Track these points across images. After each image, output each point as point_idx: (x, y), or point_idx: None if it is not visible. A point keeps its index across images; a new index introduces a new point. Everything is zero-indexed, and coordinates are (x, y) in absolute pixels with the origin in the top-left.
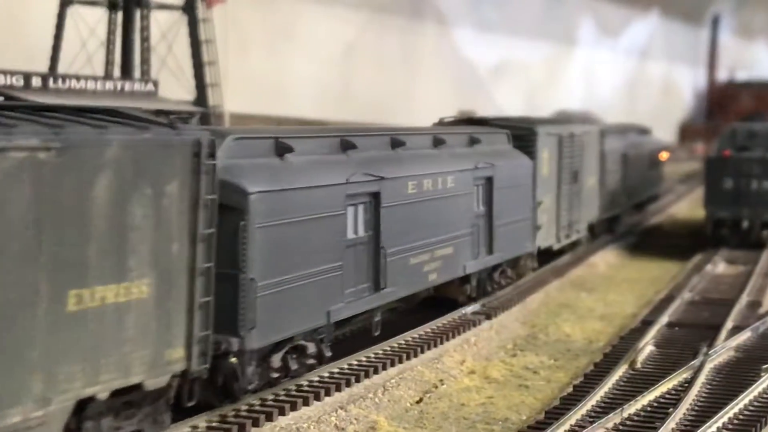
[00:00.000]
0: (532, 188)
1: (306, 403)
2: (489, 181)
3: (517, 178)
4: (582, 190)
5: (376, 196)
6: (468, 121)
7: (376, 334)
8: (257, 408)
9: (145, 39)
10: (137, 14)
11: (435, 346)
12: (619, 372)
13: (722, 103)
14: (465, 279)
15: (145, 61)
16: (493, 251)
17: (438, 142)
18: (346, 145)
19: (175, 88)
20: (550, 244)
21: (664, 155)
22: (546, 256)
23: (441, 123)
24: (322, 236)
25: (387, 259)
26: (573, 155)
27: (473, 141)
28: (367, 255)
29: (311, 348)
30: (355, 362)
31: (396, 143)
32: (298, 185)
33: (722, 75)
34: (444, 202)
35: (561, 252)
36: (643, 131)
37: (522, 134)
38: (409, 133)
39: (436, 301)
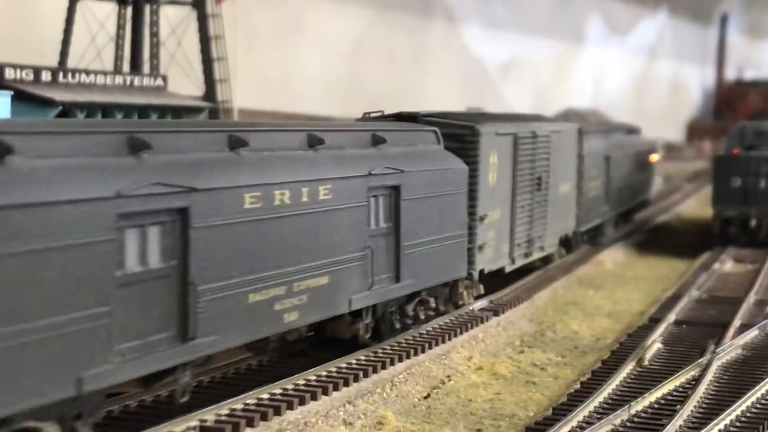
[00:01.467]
0: (467, 199)
1: (314, 398)
2: (395, 190)
3: (442, 186)
4: (550, 199)
5: (183, 214)
6: (397, 117)
7: (183, 401)
8: (266, 402)
9: (154, 34)
10: (147, 9)
11: (443, 342)
12: (627, 369)
13: (730, 101)
14: (357, 314)
15: (155, 56)
16: (402, 279)
17: (314, 142)
18: (137, 145)
19: (184, 83)
20: (501, 265)
21: (654, 157)
22: (514, 274)
23: (365, 119)
24: (72, 272)
25: (200, 297)
26: (536, 158)
27: (376, 141)
28: (165, 294)
29: None
30: (363, 357)
31: (236, 143)
32: (27, 200)
33: (730, 74)
34: (312, 219)
35: (529, 270)
36: (631, 130)
37: (458, 134)
38: (261, 130)
39: (325, 342)
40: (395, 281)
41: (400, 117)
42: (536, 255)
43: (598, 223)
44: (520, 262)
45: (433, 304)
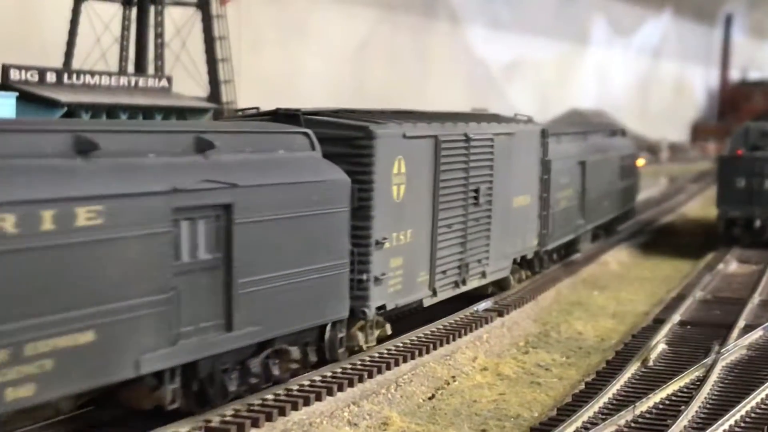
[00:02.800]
0: (353, 219)
1: (319, 398)
2: (225, 211)
3: (310, 204)
4: (496, 215)
5: None
6: (273, 114)
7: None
8: (270, 403)
9: (159, 35)
10: (151, 10)
11: (447, 342)
12: (632, 370)
13: (734, 102)
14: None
15: (159, 57)
16: (236, 326)
17: (86, 148)
18: None
19: (188, 84)
20: (416, 298)
21: (640, 161)
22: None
23: (232, 117)
24: None
25: None
26: (471, 166)
27: (201, 146)
28: None
29: None
30: (368, 358)
31: None
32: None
33: (735, 74)
34: (62, 254)
35: (478, 297)
36: (614, 132)
37: (348, 136)
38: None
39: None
40: (226, 330)
41: (276, 115)
42: (474, 283)
43: (571, 239)
44: (446, 294)
45: (297, 356)
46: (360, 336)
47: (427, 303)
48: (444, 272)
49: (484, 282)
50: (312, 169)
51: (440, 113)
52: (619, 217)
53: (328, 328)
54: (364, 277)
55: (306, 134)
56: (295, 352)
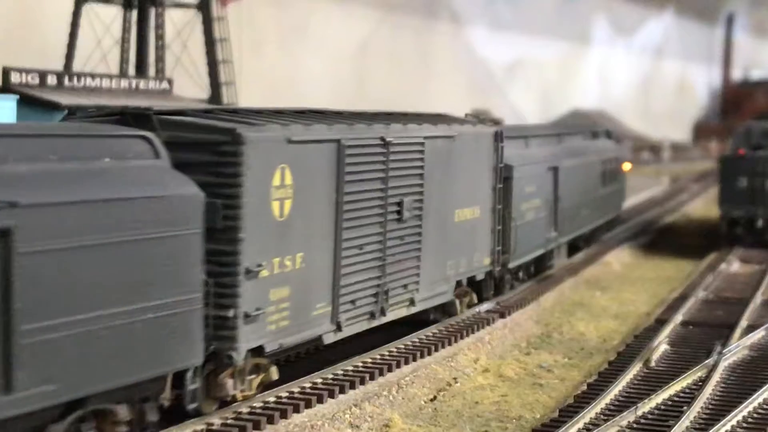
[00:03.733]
0: (200, 244)
1: (320, 401)
2: (1, 239)
3: (139, 227)
4: (429, 231)
5: None
6: (120, 115)
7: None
8: (272, 405)
9: (159, 37)
10: (152, 12)
11: (449, 344)
12: (634, 370)
13: (737, 101)
14: None
15: (160, 59)
16: (19, 386)
17: None
18: None
19: (189, 86)
20: (312, 335)
21: (627, 166)
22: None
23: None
24: None
25: None
26: (390, 176)
27: None
28: None
29: None
30: (370, 360)
31: None
32: None
33: (737, 74)
34: None
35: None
36: (596, 134)
37: (210, 141)
38: None
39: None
40: (3, 391)
41: (123, 116)
42: (399, 312)
43: (540, 254)
44: (356, 327)
45: (125, 416)
46: (229, 384)
47: (328, 340)
48: (353, 302)
49: (413, 310)
50: (150, 182)
51: (358, 113)
52: (601, 227)
53: (189, 375)
54: (230, 313)
55: (146, 139)
56: (123, 411)
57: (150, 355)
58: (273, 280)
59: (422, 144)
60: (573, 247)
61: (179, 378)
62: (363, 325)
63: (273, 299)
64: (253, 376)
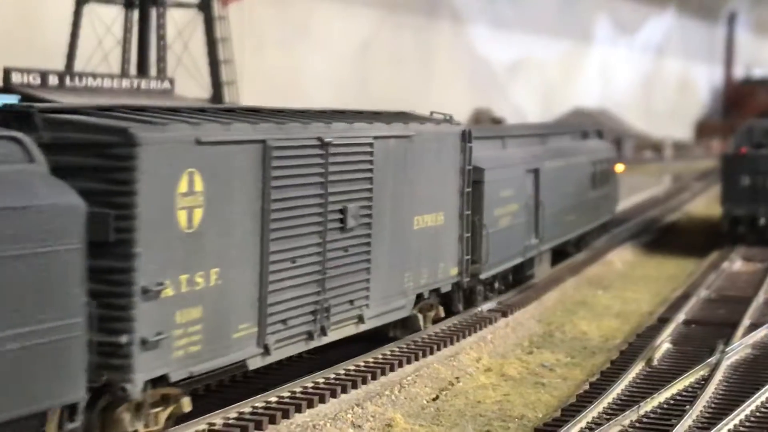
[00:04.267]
0: (81, 261)
1: (322, 401)
2: None
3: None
4: (383, 241)
5: None
6: None
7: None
8: (274, 405)
9: (161, 37)
10: (153, 12)
11: (451, 343)
12: (636, 369)
13: (739, 100)
14: None
15: (161, 59)
16: None
17: None
18: None
19: (191, 86)
20: (227, 362)
21: (620, 167)
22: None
23: None
24: None
25: None
26: (330, 180)
27: None
28: None
29: None
30: (372, 360)
31: None
32: None
33: (739, 72)
34: None
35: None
36: (586, 133)
37: (95, 143)
38: None
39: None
40: None
41: (2, 114)
42: (344, 331)
43: (518, 263)
44: (289, 350)
45: None
46: (127, 420)
47: (254, 365)
48: (284, 322)
49: (362, 328)
50: (16, 190)
51: (294, 110)
52: (592, 232)
53: (76, 410)
54: (123, 339)
55: (15, 140)
56: None
57: (18, 391)
58: (180, 300)
59: (371, 145)
60: (562, 254)
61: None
62: (299, 347)
63: (180, 322)
64: (159, 409)
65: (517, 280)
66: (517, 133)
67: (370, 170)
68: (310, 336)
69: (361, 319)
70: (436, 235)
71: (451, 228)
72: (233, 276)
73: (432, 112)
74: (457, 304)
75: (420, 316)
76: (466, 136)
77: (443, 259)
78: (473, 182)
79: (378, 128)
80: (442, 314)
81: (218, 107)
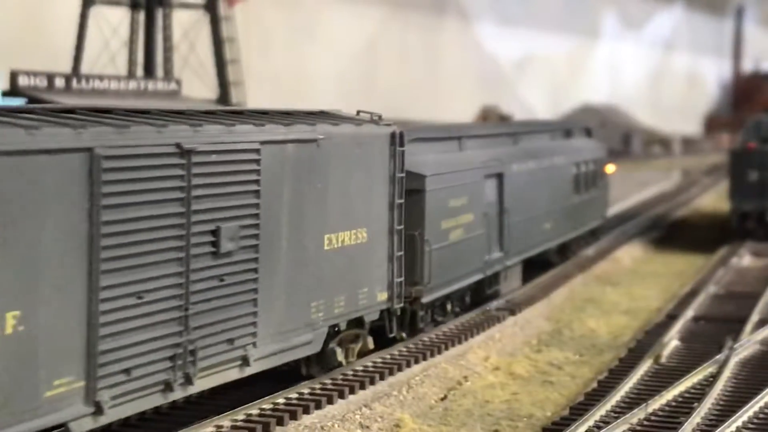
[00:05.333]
0: None
1: (330, 402)
2: None
3: None
4: (278, 265)
5: None
6: None
7: None
8: (282, 407)
9: (167, 38)
10: (159, 13)
11: (459, 342)
12: (644, 367)
13: (748, 94)
14: None
15: (168, 60)
16: None
17: None
18: None
19: (197, 86)
20: (42, 425)
21: (610, 168)
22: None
23: None
24: None
25: None
26: (194, 195)
27: None
28: None
29: None
30: (379, 360)
31: None
32: None
33: (747, 66)
34: None
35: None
36: (570, 132)
37: None
38: None
39: None
40: None
41: None
42: (224, 376)
43: (474, 281)
44: (137, 405)
45: None
46: None
47: (81, 428)
48: (127, 371)
49: (249, 372)
50: None
51: (153, 110)
52: (577, 240)
53: None
54: None
55: None
56: None
57: None
58: None
59: (257, 151)
60: (544, 264)
61: None
62: (152, 401)
63: None
64: None
65: (478, 299)
66: (479, 132)
67: (256, 182)
68: (168, 386)
69: (245, 361)
70: (356, 255)
71: (378, 246)
72: (45, 320)
73: (358, 112)
74: (394, 332)
75: (339, 351)
76: (396, 139)
77: (367, 283)
78: (412, 191)
79: (269, 131)
80: (371, 346)
81: (88, 108)
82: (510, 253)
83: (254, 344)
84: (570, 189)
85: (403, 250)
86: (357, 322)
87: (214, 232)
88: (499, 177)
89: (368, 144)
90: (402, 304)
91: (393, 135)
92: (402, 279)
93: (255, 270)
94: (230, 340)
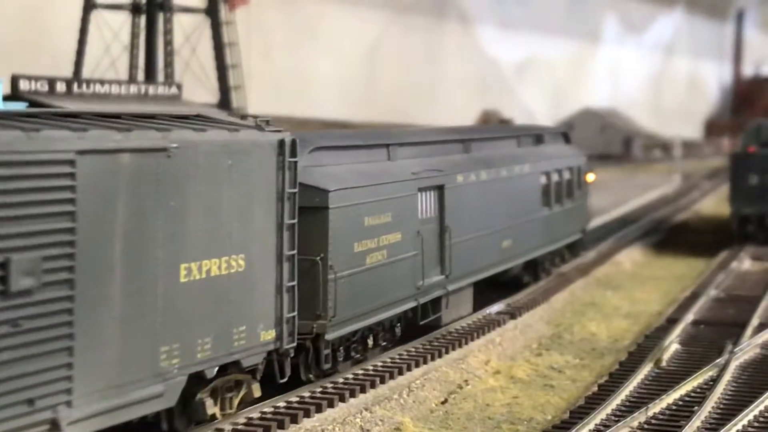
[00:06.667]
0: None
1: (331, 405)
2: None
3: None
4: (108, 304)
5: None
6: None
7: None
8: (282, 410)
9: (168, 42)
10: (160, 18)
11: (459, 346)
12: (644, 371)
13: (748, 98)
14: None
15: (169, 64)
16: None
17: None
18: None
19: (198, 91)
20: None
21: (590, 177)
22: None
23: None
24: None
25: None
26: None
27: None
28: None
29: None
30: (380, 363)
31: None
32: None
33: (748, 70)
34: None
35: None
36: (540, 138)
37: None
38: None
39: None
40: None
41: None
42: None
43: (404, 310)
44: None
45: None
46: None
47: None
48: None
49: None
50: None
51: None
52: (551, 256)
53: None
54: None
55: None
56: None
57: None
58: None
59: (71, 163)
60: (515, 284)
61: None
62: None
63: None
64: None
65: (411, 329)
66: (416, 139)
67: (70, 201)
68: None
69: (55, 426)
70: (229, 287)
71: (262, 275)
72: None
73: (244, 116)
74: (278, 377)
75: (209, 402)
76: (286, 148)
77: (245, 321)
78: (312, 209)
79: (92, 139)
80: (257, 394)
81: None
82: (454, 276)
83: (69, 403)
84: (538, 201)
85: (296, 279)
86: (238, 367)
87: (3, 266)
88: (440, 190)
89: (246, 153)
90: (294, 344)
91: (281, 143)
92: (295, 314)
93: (69, 311)
94: (30, 401)
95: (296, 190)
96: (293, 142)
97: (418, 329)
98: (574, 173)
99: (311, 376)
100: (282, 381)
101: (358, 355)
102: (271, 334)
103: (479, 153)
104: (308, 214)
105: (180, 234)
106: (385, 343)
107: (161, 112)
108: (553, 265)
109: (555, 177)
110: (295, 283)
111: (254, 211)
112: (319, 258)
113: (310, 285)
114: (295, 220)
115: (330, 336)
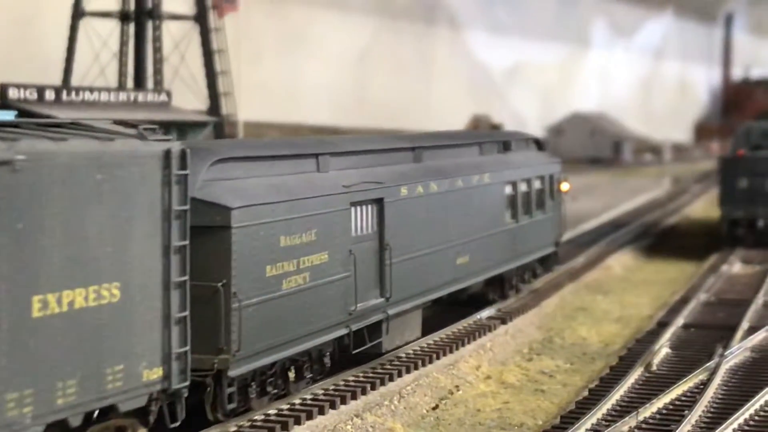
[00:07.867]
0: None
1: (321, 412)
2: None
3: None
4: None
5: None
6: None
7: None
8: (273, 418)
9: (157, 50)
10: (149, 25)
11: (450, 352)
12: (635, 375)
13: (737, 101)
14: None
15: (158, 71)
16: None
17: None
18: None
19: (188, 98)
20: None
21: (564, 186)
22: None
23: None
24: None
25: None
26: None
27: None
28: None
29: None
30: (370, 370)
31: None
32: None
33: (737, 73)
34: None
35: None
36: (507, 145)
37: None
38: None
39: None
40: None
41: None
42: None
43: (330, 339)
44: None
45: None
46: None
47: None
48: None
49: None
50: None
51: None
52: (519, 271)
53: None
54: None
55: None
56: None
57: None
58: None
59: None
60: (481, 300)
61: None
62: None
63: None
64: None
65: (344, 359)
66: (352, 148)
67: None
68: None
69: None
70: (100, 321)
71: (143, 306)
72: None
73: (118, 121)
74: (168, 422)
75: None
76: (173, 160)
77: (122, 358)
78: (211, 229)
79: None
80: None
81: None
82: (395, 298)
83: None
84: (502, 213)
85: (187, 309)
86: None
87: None
88: (379, 204)
89: (121, 166)
90: (188, 382)
91: (167, 154)
92: (187, 348)
93: None
94: None
95: (187, 207)
96: (182, 153)
97: (353, 358)
98: (546, 182)
99: (219, 415)
100: (173, 425)
101: (277, 391)
102: (157, 373)
103: (432, 162)
104: (208, 235)
105: (31, 261)
106: (311, 375)
107: (24, 120)
108: (522, 281)
109: (523, 187)
110: (186, 313)
111: (133, 233)
112: (220, 284)
113: (211, 315)
114: (186, 242)
115: (234, 372)
